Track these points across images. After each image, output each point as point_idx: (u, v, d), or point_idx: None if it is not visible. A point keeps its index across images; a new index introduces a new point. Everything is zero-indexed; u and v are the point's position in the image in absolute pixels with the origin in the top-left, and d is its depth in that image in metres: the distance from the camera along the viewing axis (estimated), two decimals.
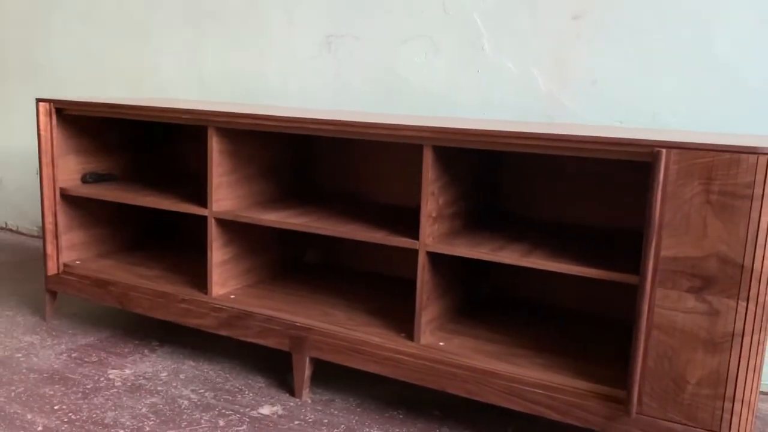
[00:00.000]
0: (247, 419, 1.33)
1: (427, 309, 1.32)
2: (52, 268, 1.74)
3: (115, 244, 1.90)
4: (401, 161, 1.70)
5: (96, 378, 1.49)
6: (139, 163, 1.95)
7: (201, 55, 2.15)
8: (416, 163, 1.67)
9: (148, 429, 1.28)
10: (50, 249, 1.73)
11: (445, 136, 1.21)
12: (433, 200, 1.28)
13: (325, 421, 1.34)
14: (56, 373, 1.50)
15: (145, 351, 1.65)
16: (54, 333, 1.73)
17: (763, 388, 1.53)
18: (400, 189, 1.71)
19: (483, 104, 1.73)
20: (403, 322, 1.41)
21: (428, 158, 1.25)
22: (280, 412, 1.37)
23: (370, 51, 1.86)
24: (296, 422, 1.33)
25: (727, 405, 1.04)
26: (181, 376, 1.51)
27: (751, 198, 0.99)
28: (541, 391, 1.17)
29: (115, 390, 1.43)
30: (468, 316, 1.48)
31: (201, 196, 1.63)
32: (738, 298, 1.01)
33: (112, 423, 1.30)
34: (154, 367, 1.56)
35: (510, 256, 1.21)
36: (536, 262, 1.18)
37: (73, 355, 1.60)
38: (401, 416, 1.37)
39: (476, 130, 1.18)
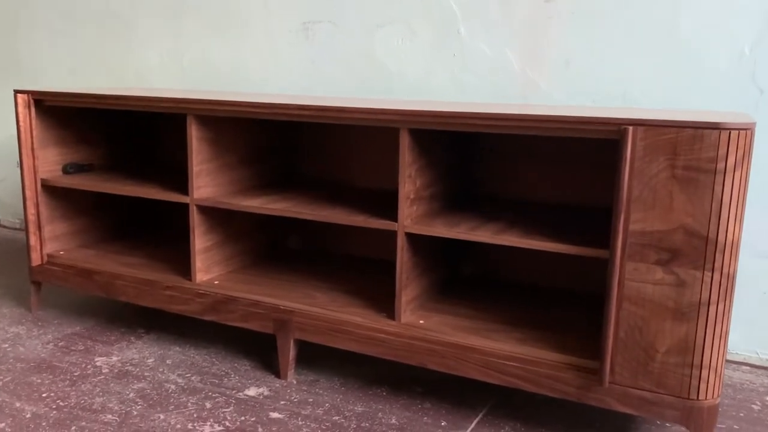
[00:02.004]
0: (234, 401, 1.36)
1: (407, 289, 1.35)
2: (36, 259, 1.75)
3: (98, 234, 1.91)
4: (380, 146, 1.73)
5: (83, 366, 1.51)
6: (121, 154, 1.95)
7: (181, 45, 2.15)
8: (395, 147, 1.70)
9: (136, 413, 1.31)
10: (33, 240, 1.74)
11: (420, 119, 1.24)
12: (410, 183, 1.30)
13: (310, 400, 1.37)
14: (43, 362, 1.52)
15: (131, 338, 1.67)
16: (40, 323, 1.74)
17: (729, 356, 1.58)
18: (379, 173, 1.73)
19: (459, 87, 1.75)
20: (384, 302, 1.44)
21: (405, 141, 1.27)
22: (266, 393, 1.40)
23: (347, 37, 1.88)
24: (282, 402, 1.36)
25: (695, 372, 1.08)
26: (168, 362, 1.54)
27: (714, 172, 1.03)
28: (517, 365, 1.21)
29: (103, 377, 1.46)
30: (447, 294, 1.51)
31: (183, 185, 1.65)
32: (703, 269, 1.05)
33: (100, 408, 1.32)
34: (141, 353, 1.58)
35: (485, 234, 1.24)
36: (511, 239, 1.22)
37: (60, 344, 1.62)
38: (384, 393, 1.40)
39: (451, 112, 1.20)
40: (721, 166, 1.02)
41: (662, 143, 1.05)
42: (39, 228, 1.74)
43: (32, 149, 1.70)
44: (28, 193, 1.71)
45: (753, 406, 1.38)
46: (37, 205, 1.73)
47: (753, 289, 1.51)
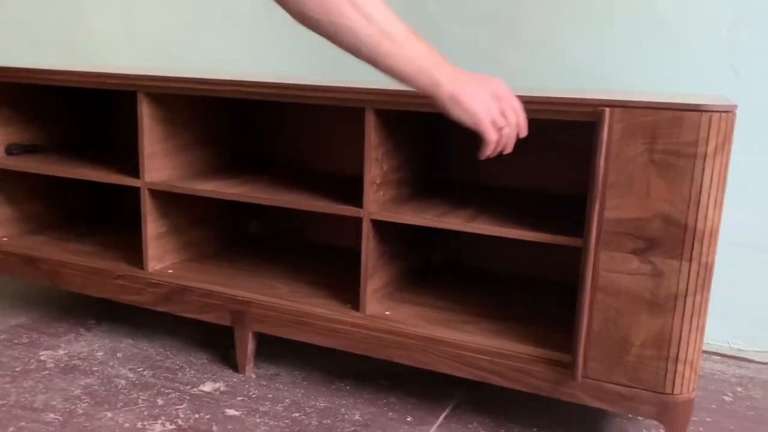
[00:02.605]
0: (188, 397, 1.28)
1: (373, 278, 1.29)
2: None
3: (46, 220, 1.80)
4: (345, 127, 1.65)
5: (26, 360, 1.41)
6: (72, 135, 1.84)
7: (136, 20, 2.03)
8: (361, 128, 1.62)
9: (81, 411, 1.22)
10: None
11: (387, 98, 1.17)
12: (376, 166, 1.23)
13: (270, 395, 1.30)
14: None
15: (81, 330, 1.57)
16: None
17: (706, 347, 1.55)
18: (345, 156, 1.66)
19: None
20: (349, 293, 1.37)
21: (371, 122, 1.20)
22: (223, 388, 1.32)
23: None
24: (239, 398, 1.29)
25: (671, 365, 1.04)
26: (119, 355, 1.45)
27: (694, 156, 0.97)
28: (487, 358, 1.16)
29: (47, 372, 1.36)
30: (415, 284, 1.45)
31: (135, 168, 1.55)
32: (681, 259, 1.01)
33: (42, 407, 1.23)
34: (90, 346, 1.49)
35: (455, 222, 1.18)
36: (481, 227, 1.16)
37: (2, 336, 1.52)
38: (348, 387, 1.34)
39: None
40: (701, 150, 0.97)
41: (640, 126, 0.99)
42: None
43: None
44: None
45: (725, 397, 1.35)
46: None
47: (723, 277, 1.48)
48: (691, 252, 1.00)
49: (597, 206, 1.03)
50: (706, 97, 1.18)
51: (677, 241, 1.00)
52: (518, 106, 0.93)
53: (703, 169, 0.98)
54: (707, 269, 1.01)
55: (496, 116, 0.89)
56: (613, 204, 1.03)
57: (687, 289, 1.01)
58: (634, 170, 1.01)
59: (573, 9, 1.52)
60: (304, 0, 0.79)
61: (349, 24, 0.79)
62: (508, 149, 0.96)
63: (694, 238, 1.00)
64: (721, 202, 1.00)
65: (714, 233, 1.00)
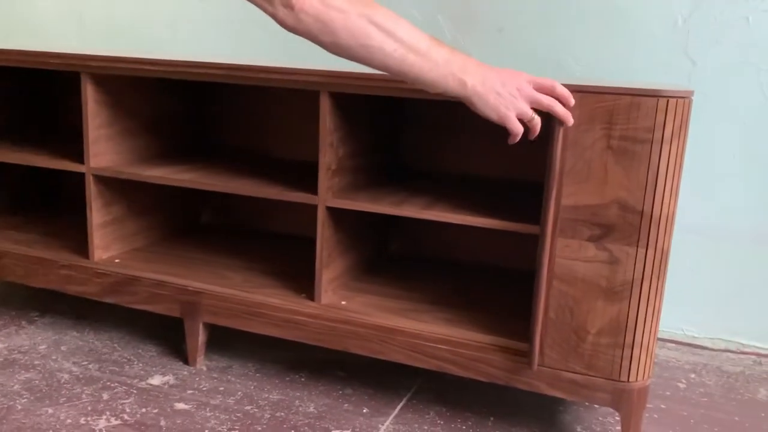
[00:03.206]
0: (135, 391, 1.23)
1: (329, 267, 1.25)
2: None
3: None
4: (299, 112, 1.61)
5: None
6: (12, 118, 1.75)
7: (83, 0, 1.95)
8: (316, 113, 1.58)
9: (20, 407, 1.16)
10: None
11: (342, 81, 1.13)
12: (331, 152, 1.20)
13: (221, 388, 1.26)
14: None
15: (23, 323, 1.50)
16: None
17: (660, 335, 1.56)
18: (298, 142, 1.62)
19: None
20: (304, 283, 1.33)
21: (325, 105, 1.16)
22: (172, 381, 1.28)
23: None
24: (189, 391, 1.24)
25: (626, 352, 1.03)
26: (63, 348, 1.39)
27: (651, 142, 0.97)
28: (444, 347, 1.14)
29: None
30: (372, 273, 1.42)
31: (80, 152, 1.48)
32: (637, 246, 1.00)
33: None
34: (32, 339, 1.42)
35: (412, 209, 1.15)
36: (438, 214, 1.13)
37: None
38: (303, 379, 1.31)
39: (376, 74, 1.10)
40: (658, 135, 0.96)
41: (598, 112, 0.98)
42: None
43: None
44: None
45: (679, 384, 1.36)
46: None
47: (678, 264, 1.49)
48: (648, 239, 0.99)
49: (554, 193, 1.02)
50: (662, 84, 1.17)
51: (633, 227, 1.00)
52: (552, 87, 0.95)
53: (660, 155, 0.97)
54: (663, 256, 1.00)
55: (522, 109, 0.93)
56: (570, 191, 1.02)
57: (643, 276, 1.01)
58: (592, 157, 0.99)
59: None
60: (336, 33, 0.85)
61: (377, 44, 0.86)
62: (533, 136, 0.99)
63: (650, 225, 0.99)
64: (677, 189, 1.00)
65: (670, 220, 1.00)
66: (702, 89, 1.42)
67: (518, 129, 0.94)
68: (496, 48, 1.56)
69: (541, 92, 0.94)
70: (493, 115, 0.92)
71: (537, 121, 0.95)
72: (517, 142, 0.97)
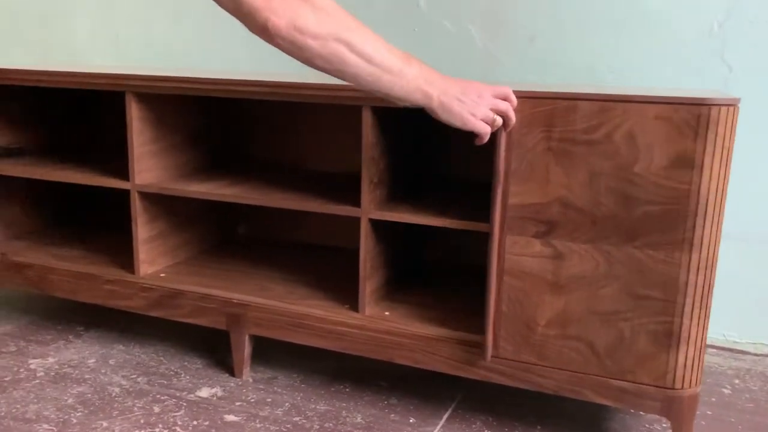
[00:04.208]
0: (185, 403, 1.26)
1: (371, 278, 1.27)
2: None
3: (31, 224, 1.75)
4: (333, 126, 1.63)
5: (15, 369, 1.37)
6: (57, 137, 1.79)
7: (116, 18, 1.99)
8: (349, 126, 1.60)
9: (75, 421, 1.19)
10: None
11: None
12: (373, 165, 1.21)
13: (269, 399, 1.28)
14: None
15: (70, 337, 1.53)
16: None
17: None
18: (336, 155, 1.63)
19: None
20: (346, 294, 1.35)
21: (368, 120, 1.18)
22: (220, 393, 1.30)
23: None
24: (237, 403, 1.26)
25: (572, 343, 1.08)
26: (111, 362, 1.41)
27: (588, 143, 1.01)
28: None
29: (38, 381, 1.33)
30: (410, 283, 1.43)
31: (124, 169, 1.51)
32: (579, 241, 1.04)
33: (34, 417, 1.19)
34: (80, 353, 1.45)
35: (446, 219, 1.16)
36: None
37: None
38: (348, 390, 1.32)
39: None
40: (594, 137, 1.01)
41: (538, 115, 1.03)
42: None
43: None
44: None
45: (724, 390, 1.36)
46: None
47: (718, 269, 1.48)
48: (588, 234, 1.04)
49: (500, 193, 1.07)
50: (699, 91, 1.18)
51: (575, 224, 1.04)
52: (507, 95, 1.02)
53: (597, 155, 1.01)
54: (603, 250, 1.04)
55: (483, 114, 0.98)
56: (515, 190, 1.07)
57: (585, 270, 1.05)
58: (534, 158, 1.05)
59: (563, 3, 1.52)
60: (311, 60, 0.88)
61: (353, 70, 0.89)
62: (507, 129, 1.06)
63: (589, 222, 1.04)
64: (616, 187, 1.02)
65: (608, 217, 1.03)
66: (739, 94, 1.42)
67: (484, 129, 0.99)
68: (527, 57, 1.57)
69: (498, 98, 1.00)
70: (456, 122, 0.97)
71: (499, 122, 1.02)
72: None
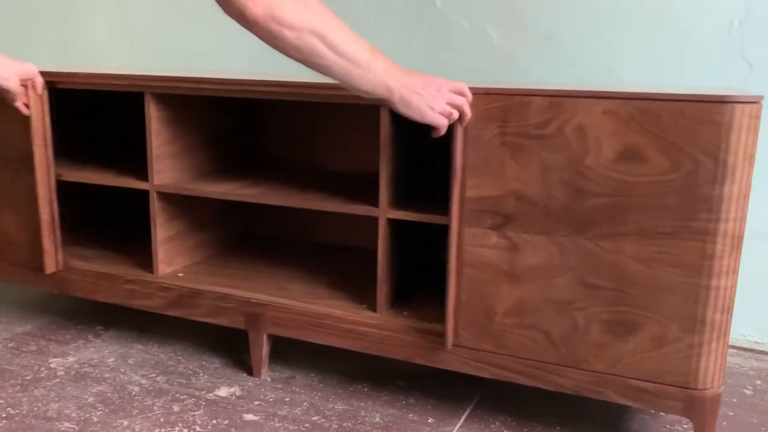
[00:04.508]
0: (204, 402, 1.26)
1: (389, 278, 1.27)
2: None
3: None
4: (353, 125, 1.63)
5: (36, 368, 1.38)
6: (74, 138, 1.80)
7: (131, 19, 2.00)
8: (364, 127, 1.60)
9: (96, 419, 1.20)
10: None
11: None
12: (391, 164, 1.21)
13: (287, 399, 1.28)
14: None
15: (89, 336, 1.54)
16: None
17: None
18: (352, 155, 1.64)
19: (435, 64, 1.66)
20: (364, 293, 1.35)
21: (385, 120, 1.18)
22: (239, 393, 1.30)
23: None
24: (256, 403, 1.26)
25: (529, 332, 1.10)
26: (130, 361, 1.42)
27: (540, 138, 1.03)
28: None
29: (58, 380, 1.34)
30: (426, 282, 1.43)
31: (142, 170, 1.52)
32: (533, 233, 1.07)
33: (56, 416, 1.21)
34: (100, 352, 1.46)
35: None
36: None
37: (9, 345, 1.49)
38: (366, 389, 1.32)
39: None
40: (546, 131, 1.03)
41: (493, 111, 1.06)
42: None
43: None
44: None
45: (745, 390, 1.35)
46: None
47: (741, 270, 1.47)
48: (542, 226, 1.06)
49: (458, 186, 1.10)
50: (719, 89, 1.17)
51: (529, 216, 1.07)
52: (463, 90, 1.05)
53: (549, 149, 1.04)
54: (557, 241, 1.06)
55: (441, 108, 1.02)
56: (472, 184, 1.10)
57: (540, 260, 1.07)
58: (489, 152, 1.07)
59: (580, 1, 1.51)
60: (286, 50, 0.91)
61: (325, 63, 0.92)
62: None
63: (543, 214, 1.06)
64: (567, 180, 1.04)
65: (560, 209, 1.05)
66: (759, 92, 1.40)
67: (441, 122, 1.02)
68: (544, 55, 1.56)
69: (454, 93, 1.03)
70: (415, 115, 1.01)
71: (455, 115, 1.05)
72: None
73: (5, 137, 1.47)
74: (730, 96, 0.95)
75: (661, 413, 1.25)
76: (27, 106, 1.37)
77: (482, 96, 1.06)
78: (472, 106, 1.06)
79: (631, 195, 1.01)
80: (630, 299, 1.03)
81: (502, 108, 1.05)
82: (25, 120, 1.40)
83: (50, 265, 1.48)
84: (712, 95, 0.96)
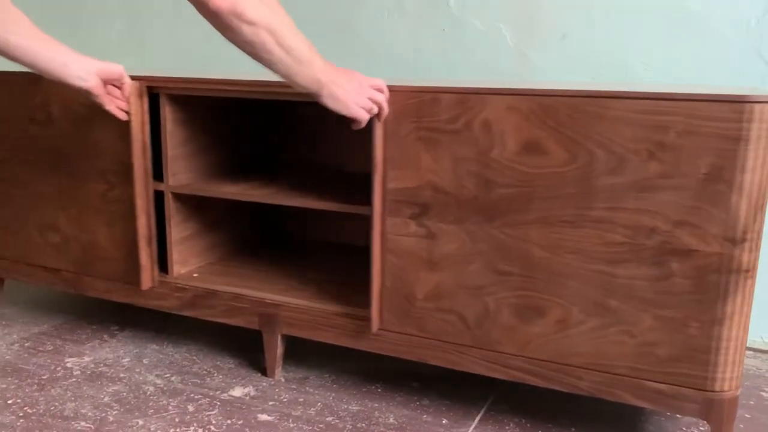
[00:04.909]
0: (218, 402, 1.27)
1: None
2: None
3: None
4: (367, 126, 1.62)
5: (52, 368, 1.39)
6: None
7: (143, 22, 2.02)
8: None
9: (112, 419, 1.20)
10: None
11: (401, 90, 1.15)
12: None
13: (301, 399, 1.28)
14: (8, 365, 1.40)
15: (104, 336, 1.55)
16: (3, 322, 1.62)
17: None
18: (368, 156, 1.63)
19: (449, 65, 1.66)
20: None
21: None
22: (253, 393, 1.31)
23: (327, 11, 1.77)
24: (270, 403, 1.27)
25: (446, 316, 1.16)
26: (145, 361, 1.43)
27: (451, 132, 1.10)
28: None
29: (74, 379, 1.35)
30: None
31: (156, 171, 1.53)
32: (448, 222, 1.13)
33: (72, 415, 1.21)
34: (115, 352, 1.47)
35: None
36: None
37: (26, 344, 1.50)
38: (379, 390, 1.32)
39: (444, 87, 1.11)
40: (455, 126, 1.09)
41: (409, 107, 1.12)
42: None
43: None
44: None
45: (762, 393, 1.33)
46: None
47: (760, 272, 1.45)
48: (455, 215, 1.12)
49: (379, 178, 1.16)
50: (728, 88, 1.16)
51: (444, 206, 1.13)
52: (381, 87, 1.11)
53: (458, 143, 1.10)
54: (469, 230, 1.12)
55: (363, 102, 1.07)
56: (392, 176, 1.16)
57: (453, 249, 1.13)
58: (407, 146, 1.14)
59: (596, 2, 1.50)
60: (240, 44, 0.94)
61: (273, 59, 0.96)
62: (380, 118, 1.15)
63: (456, 204, 1.12)
64: (476, 172, 1.09)
65: (471, 199, 1.10)
66: None
67: (363, 116, 1.08)
68: (559, 54, 1.55)
69: (374, 89, 1.09)
70: (341, 108, 1.06)
71: (375, 110, 1.11)
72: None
73: (98, 145, 1.41)
74: (621, 92, 1.00)
75: (678, 415, 1.24)
76: (127, 111, 1.26)
77: (398, 93, 1.12)
78: (390, 102, 1.12)
79: (533, 185, 1.06)
80: (536, 284, 1.09)
81: (415, 105, 1.11)
82: (123, 127, 1.33)
83: (146, 281, 1.41)
84: (607, 91, 1.01)
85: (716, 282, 0.99)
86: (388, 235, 1.18)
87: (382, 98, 1.11)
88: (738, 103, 0.93)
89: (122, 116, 1.26)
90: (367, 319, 1.22)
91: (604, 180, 1.02)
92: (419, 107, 1.11)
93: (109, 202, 1.43)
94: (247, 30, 0.91)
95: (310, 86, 1.02)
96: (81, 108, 1.41)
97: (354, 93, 1.06)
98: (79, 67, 1.14)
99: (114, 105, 1.24)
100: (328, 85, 1.03)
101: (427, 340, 1.19)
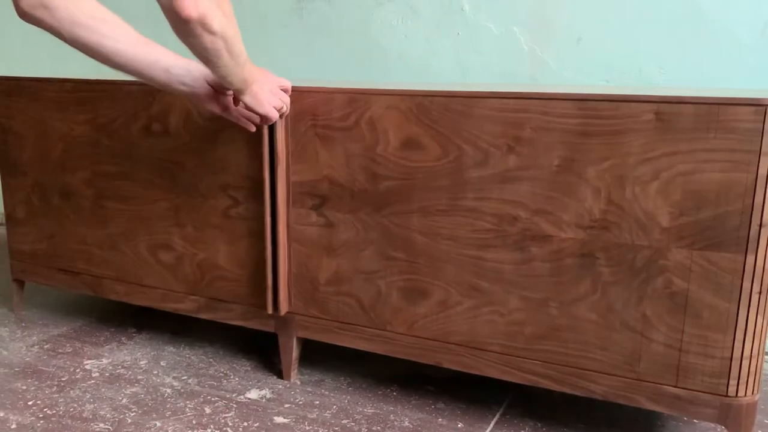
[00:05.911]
0: (235, 405, 1.28)
1: None
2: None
3: None
4: None
5: (71, 369, 1.41)
6: None
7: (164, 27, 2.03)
8: None
9: (130, 420, 1.22)
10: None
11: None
12: None
13: (317, 402, 1.29)
14: (28, 367, 1.42)
15: (122, 338, 1.57)
16: (24, 324, 1.64)
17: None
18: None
19: (463, 68, 1.66)
20: None
21: None
22: (269, 395, 1.32)
23: (343, 16, 1.78)
24: (286, 405, 1.28)
25: (345, 299, 1.26)
26: (162, 363, 1.45)
27: (343, 129, 1.19)
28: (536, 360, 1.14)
29: (93, 381, 1.36)
30: None
31: None
32: (344, 212, 1.22)
33: (91, 416, 1.23)
34: (133, 354, 1.49)
35: None
36: None
37: (46, 346, 1.52)
38: (395, 393, 1.33)
39: (458, 91, 1.12)
40: (346, 123, 1.18)
41: (306, 106, 1.21)
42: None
43: None
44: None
45: None
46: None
47: None
48: (350, 205, 1.21)
49: (283, 172, 1.25)
50: (735, 91, 1.15)
51: (340, 197, 1.22)
52: (287, 87, 1.20)
53: (351, 138, 1.18)
54: (361, 219, 1.21)
55: (275, 102, 1.16)
56: (295, 169, 1.25)
57: (349, 237, 1.22)
58: (306, 142, 1.23)
59: (610, 2, 1.50)
60: (198, 47, 0.96)
61: (220, 62, 1.00)
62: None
63: (348, 196, 1.21)
64: (365, 166, 1.17)
65: (362, 191, 1.19)
66: None
67: (275, 115, 1.15)
68: (574, 58, 1.55)
69: (282, 89, 1.18)
70: (258, 107, 1.12)
71: (285, 109, 1.20)
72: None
73: (224, 159, 1.31)
74: (483, 92, 1.09)
75: (695, 420, 1.23)
76: (256, 124, 1.19)
77: (297, 93, 1.21)
78: (292, 100, 1.21)
79: (413, 178, 1.16)
80: (419, 269, 1.19)
81: (311, 104, 1.20)
82: (253, 140, 1.26)
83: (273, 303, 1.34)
84: (471, 91, 1.09)
85: (571, 265, 1.08)
86: (293, 225, 1.27)
87: (287, 99, 1.20)
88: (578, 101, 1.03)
89: (250, 128, 1.19)
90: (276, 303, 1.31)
91: (472, 173, 1.11)
92: (315, 106, 1.20)
93: (230, 218, 1.34)
94: (207, 38, 0.94)
95: (239, 85, 1.08)
96: (200, 119, 1.31)
97: (269, 93, 1.14)
98: (181, 72, 1.08)
99: (237, 116, 1.17)
100: (252, 85, 1.10)
101: (329, 322, 1.28)
